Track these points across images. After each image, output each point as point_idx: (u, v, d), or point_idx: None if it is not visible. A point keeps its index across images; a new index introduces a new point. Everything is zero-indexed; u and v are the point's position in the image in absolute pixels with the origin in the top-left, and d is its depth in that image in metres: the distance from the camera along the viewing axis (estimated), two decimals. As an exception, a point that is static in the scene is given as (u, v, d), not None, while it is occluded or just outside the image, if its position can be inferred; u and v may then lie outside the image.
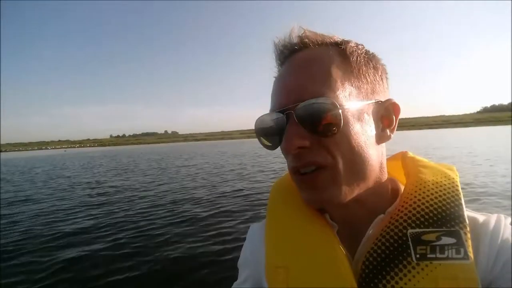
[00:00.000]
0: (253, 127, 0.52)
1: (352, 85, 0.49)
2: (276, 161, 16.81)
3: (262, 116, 0.53)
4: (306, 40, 0.51)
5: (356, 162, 0.48)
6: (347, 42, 0.52)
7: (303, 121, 0.46)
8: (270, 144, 0.54)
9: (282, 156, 0.50)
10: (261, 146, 0.53)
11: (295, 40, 0.52)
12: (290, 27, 0.53)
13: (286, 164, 0.55)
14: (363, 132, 0.49)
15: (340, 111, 0.45)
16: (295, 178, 0.52)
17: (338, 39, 0.53)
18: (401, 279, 0.44)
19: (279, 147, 0.52)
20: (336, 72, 0.48)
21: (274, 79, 0.56)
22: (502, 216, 0.49)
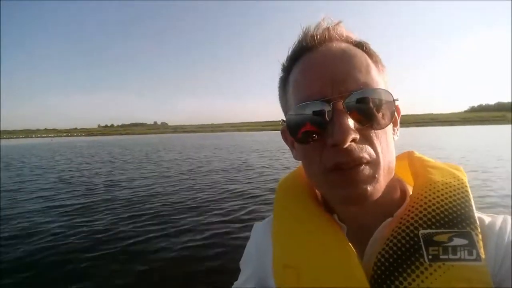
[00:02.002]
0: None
1: (382, 81, 0.49)
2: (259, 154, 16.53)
3: (297, 107, 0.48)
4: (341, 32, 0.50)
5: (390, 157, 0.48)
6: (366, 42, 0.52)
7: (355, 112, 0.44)
8: (305, 137, 0.49)
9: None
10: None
11: (329, 30, 0.50)
12: (320, 18, 0.51)
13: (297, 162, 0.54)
14: (390, 128, 0.50)
15: (395, 102, 0.45)
16: (331, 176, 0.47)
17: (359, 38, 0.52)
18: (414, 280, 0.43)
19: (311, 140, 0.48)
20: (372, 67, 0.48)
21: (281, 70, 0.56)
22: (509, 217, 0.48)
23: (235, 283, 0.63)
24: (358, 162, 0.44)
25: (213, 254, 4.03)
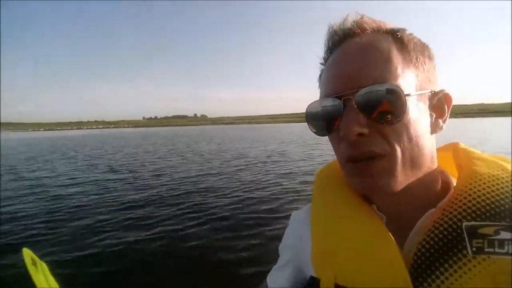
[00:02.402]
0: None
1: (411, 73, 0.48)
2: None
3: (315, 101, 0.53)
4: (365, 25, 0.51)
5: (413, 152, 0.47)
6: (403, 30, 0.51)
7: (364, 108, 0.45)
8: (322, 130, 0.53)
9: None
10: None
11: (351, 25, 0.51)
12: (346, 14, 0.53)
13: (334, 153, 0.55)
14: (420, 121, 0.49)
15: (405, 98, 0.45)
16: (347, 166, 0.50)
17: (394, 27, 0.52)
18: (455, 271, 0.42)
19: (327, 133, 0.53)
20: (396, 59, 0.47)
21: (320, 66, 0.57)
22: None
23: (274, 267, 0.65)
24: (367, 155, 0.46)
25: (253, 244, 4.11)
